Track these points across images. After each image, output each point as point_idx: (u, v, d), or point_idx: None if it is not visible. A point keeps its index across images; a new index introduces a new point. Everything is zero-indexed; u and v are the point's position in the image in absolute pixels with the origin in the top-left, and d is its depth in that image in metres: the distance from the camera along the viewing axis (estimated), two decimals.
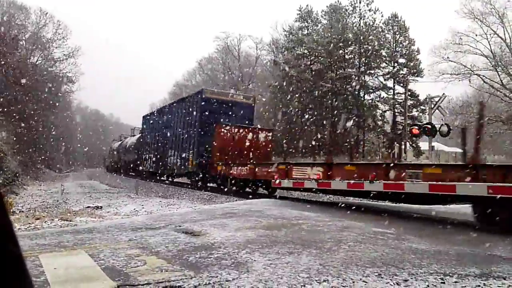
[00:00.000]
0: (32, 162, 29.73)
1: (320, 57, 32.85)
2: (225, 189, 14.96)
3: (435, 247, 4.64)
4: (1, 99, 27.67)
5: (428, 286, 3.17)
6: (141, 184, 18.88)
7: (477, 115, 7.01)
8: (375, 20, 35.01)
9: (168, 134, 21.68)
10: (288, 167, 10.75)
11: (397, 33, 34.41)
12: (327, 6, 35.95)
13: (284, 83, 32.46)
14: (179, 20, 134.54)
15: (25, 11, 37.77)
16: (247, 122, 18.56)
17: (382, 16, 34.90)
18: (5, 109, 25.75)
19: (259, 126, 20.18)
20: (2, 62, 29.34)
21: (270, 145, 16.80)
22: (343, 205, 8.58)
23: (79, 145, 60.11)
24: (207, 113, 17.86)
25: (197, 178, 17.60)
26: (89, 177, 34.18)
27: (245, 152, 15.12)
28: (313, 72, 33.04)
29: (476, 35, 28.24)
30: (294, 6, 36.27)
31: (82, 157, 69.60)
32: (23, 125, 27.74)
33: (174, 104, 23.07)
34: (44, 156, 37.64)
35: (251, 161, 13.61)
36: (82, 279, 3.23)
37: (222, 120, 17.26)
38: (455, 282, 3.26)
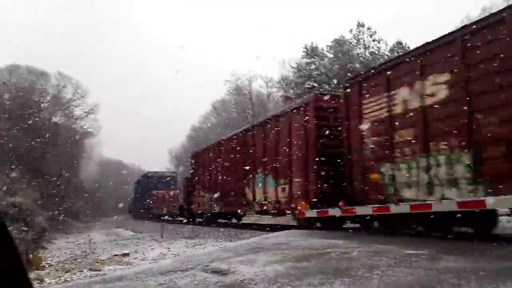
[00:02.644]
0: (59, 216, 30.27)
1: (329, 89, 33.31)
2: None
3: (471, 264, 4.45)
4: (26, 158, 28.72)
5: None
6: (166, 227, 18.91)
7: None
8: (379, 49, 35.61)
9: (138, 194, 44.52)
10: None
11: None
12: (331, 42, 36.88)
13: None
14: (192, 64, 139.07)
15: (45, 76, 40.01)
16: (172, 187, 37.09)
17: (386, 44, 35.65)
18: (30, 167, 26.64)
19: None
20: (25, 126, 30.71)
21: (178, 196, 31.50)
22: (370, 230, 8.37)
23: (103, 195, 61.11)
24: (149, 183, 39.28)
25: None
26: (114, 225, 34.42)
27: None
28: None
29: None
30: (301, 42, 37.23)
31: (108, 206, 70.48)
32: (47, 181, 28.53)
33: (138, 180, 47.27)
34: (70, 208, 38.35)
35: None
36: None
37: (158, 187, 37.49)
38: None
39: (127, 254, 10.41)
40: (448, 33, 7.53)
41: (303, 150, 11.48)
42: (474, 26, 6.90)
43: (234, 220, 18.73)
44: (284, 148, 12.56)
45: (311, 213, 10.31)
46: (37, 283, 6.73)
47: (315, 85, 33.58)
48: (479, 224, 7.04)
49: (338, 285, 3.93)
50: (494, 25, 6.48)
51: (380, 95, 8.86)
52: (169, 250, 10.52)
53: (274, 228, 13.66)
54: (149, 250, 11.26)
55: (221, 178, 18.03)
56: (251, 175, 14.66)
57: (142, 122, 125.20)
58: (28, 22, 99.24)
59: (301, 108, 11.87)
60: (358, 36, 36.04)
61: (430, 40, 7.76)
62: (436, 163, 7.35)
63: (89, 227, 35.70)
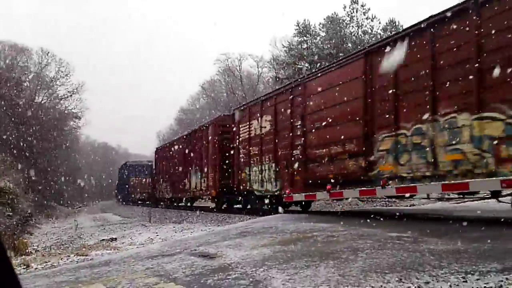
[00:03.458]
0: (44, 201, 29.94)
1: None
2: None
3: (453, 246, 4.58)
4: (9, 141, 28.13)
5: (450, 286, 3.12)
6: (153, 212, 18.91)
7: None
8: (373, 28, 35.29)
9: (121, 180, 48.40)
10: None
11: None
12: (324, 19, 36.22)
13: None
14: (180, 44, 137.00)
15: (27, 52, 38.54)
16: (147, 174, 37.86)
17: (379, 23, 35.20)
18: (14, 150, 26.12)
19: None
20: (7, 105, 29.94)
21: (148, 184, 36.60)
22: (356, 213, 8.52)
23: (89, 179, 60.55)
24: (129, 171, 42.06)
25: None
26: (102, 210, 34.26)
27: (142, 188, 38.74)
28: None
29: None
30: (292, 21, 36.38)
31: (94, 190, 70.02)
32: (32, 164, 28.08)
33: (120, 168, 50.93)
34: (56, 193, 37.90)
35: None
36: None
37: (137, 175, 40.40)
38: (477, 279, 3.21)
39: (115, 239, 10.42)
40: (278, 88, 14.04)
41: (213, 154, 17.14)
42: (281, 90, 12.51)
43: (181, 204, 23.06)
44: (204, 152, 18.28)
45: (299, 197, 10.47)
46: (23, 268, 6.70)
47: (306, 65, 33.28)
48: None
49: (323, 267, 4.01)
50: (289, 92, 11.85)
51: (245, 123, 13.95)
52: (157, 235, 10.56)
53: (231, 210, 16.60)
54: (136, 235, 11.28)
55: (172, 171, 23.65)
56: (188, 170, 20.30)
57: (130, 105, 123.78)
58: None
59: (212, 124, 17.62)
60: (351, 13, 35.33)
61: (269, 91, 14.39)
62: (264, 169, 12.71)
63: (75, 212, 35.49)
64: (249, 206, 14.70)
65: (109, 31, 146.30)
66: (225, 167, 15.90)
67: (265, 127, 12.60)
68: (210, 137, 17.38)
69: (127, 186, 41.89)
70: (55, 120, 38.05)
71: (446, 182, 6.64)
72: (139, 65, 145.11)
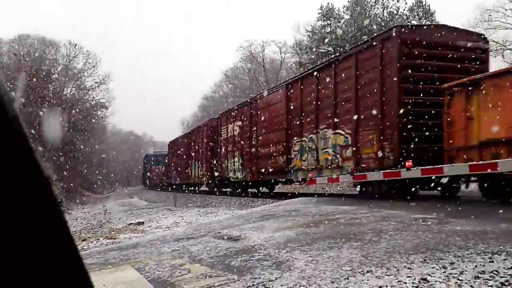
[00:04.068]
0: (74, 187, 31.00)
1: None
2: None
3: (479, 227, 4.49)
4: (40, 131, 29.12)
5: (476, 266, 3.08)
6: (178, 196, 19.29)
7: None
8: (398, 9, 34.14)
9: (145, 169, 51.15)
10: None
11: (423, 17, 33.34)
12: (348, 1, 35.37)
13: None
14: (204, 33, 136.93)
15: (55, 45, 39.51)
16: (163, 163, 40.77)
17: (406, 3, 34.04)
18: (43, 140, 27.04)
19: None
20: (37, 97, 30.87)
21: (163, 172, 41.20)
22: (381, 195, 8.45)
23: (117, 167, 62.16)
24: (150, 161, 46.81)
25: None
26: (129, 195, 35.20)
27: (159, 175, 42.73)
28: None
29: (506, 10, 27.13)
30: (316, 6, 35.52)
31: (121, 177, 71.90)
32: (62, 153, 29.02)
33: (144, 157, 53.95)
34: (85, 180, 39.13)
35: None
36: None
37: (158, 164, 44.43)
38: (504, 259, 3.15)
39: (142, 223, 10.71)
40: (241, 103, 17.67)
41: (206, 149, 21.20)
42: (244, 103, 16.59)
43: (191, 188, 26.69)
44: (200, 147, 22.32)
45: (322, 180, 10.55)
46: None
47: (330, 49, 32.67)
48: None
49: (346, 249, 4.01)
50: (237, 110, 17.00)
51: (225, 126, 18.05)
52: (182, 219, 10.79)
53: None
54: (162, 218, 11.56)
55: (180, 161, 28.34)
56: (191, 161, 24.54)
57: (154, 92, 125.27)
58: None
59: (206, 126, 21.59)
60: None
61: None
62: (235, 161, 16.68)
63: (104, 198, 36.63)
64: (229, 190, 18.69)
65: (133, 21, 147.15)
66: (213, 160, 20.15)
67: (236, 130, 16.61)
68: (204, 136, 21.64)
69: (148, 174, 47.58)
70: (83, 111, 39.02)
71: (324, 174, 10.51)
72: (164, 53, 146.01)
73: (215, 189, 20.56)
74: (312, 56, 33.82)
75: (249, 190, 16.98)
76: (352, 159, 9.39)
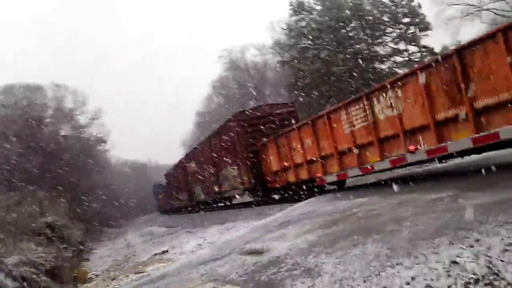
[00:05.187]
0: (90, 226, 31.15)
1: (324, 43, 32.48)
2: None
3: (496, 197, 4.52)
4: (44, 177, 29.37)
5: (502, 239, 3.11)
6: (194, 217, 19.36)
7: None
8: None
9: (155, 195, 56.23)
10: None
11: None
12: None
13: (298, 81, 32.30)
14: (182, 47, 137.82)
15: (41, 90, 39.80)
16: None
17: None
18: (51, 185, 27.28)
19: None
20: (34, 143, 31.15)
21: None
22: (389, 181, 8.47)
23: (128, 197, 62.41)
24: (158, 188, 50.65)
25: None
26: (146, 224, 35.25)
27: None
28: (322, 61, 32.66)
29: None
30: (286, 2, 35.62)
31: (134, 207, 72.14)
32: (71, 194, 29.20)
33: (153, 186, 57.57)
34: (99, 216, 39.31)
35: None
36: None
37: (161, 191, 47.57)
38: None
39: (166, 251, 10.76)
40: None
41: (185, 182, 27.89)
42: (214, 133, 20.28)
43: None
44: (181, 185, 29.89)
45: (331, 178, 10.56)
46: None
47: (309, 43, 32.83)
48: None
49: (370, 244, 4.05)
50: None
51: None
52: (204, 240, 10.83)
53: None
54: (184, 242, 11.60)
55: (176, 185, 32.66)
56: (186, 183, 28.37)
57: (151, 121, 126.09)
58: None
59: (180, 163, 29.36)
60: None
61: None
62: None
63: (122, 231, 36.70)
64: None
65: (108, 53, 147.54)
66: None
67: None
68: (183, 174, 28.27)
69: (160, 201, 51.25)
70: (82, 149, 39.34)
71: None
72: (149, 81, 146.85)
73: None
74: (293, 53, 33.92)
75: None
76: None
